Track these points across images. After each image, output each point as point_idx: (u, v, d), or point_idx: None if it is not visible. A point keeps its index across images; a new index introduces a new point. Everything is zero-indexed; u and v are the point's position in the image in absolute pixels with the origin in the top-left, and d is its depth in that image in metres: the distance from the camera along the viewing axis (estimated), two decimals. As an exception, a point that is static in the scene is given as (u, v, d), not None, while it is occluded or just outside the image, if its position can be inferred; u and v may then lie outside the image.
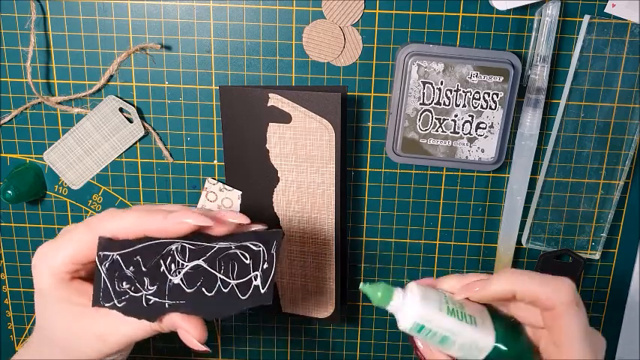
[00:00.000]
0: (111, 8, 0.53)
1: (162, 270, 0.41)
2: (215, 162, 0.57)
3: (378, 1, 0.52)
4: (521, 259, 0.59)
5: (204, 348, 0.42)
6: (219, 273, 0.42)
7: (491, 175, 0.57)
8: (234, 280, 0.42)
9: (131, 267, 0.41)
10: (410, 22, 0.52)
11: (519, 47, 0.53)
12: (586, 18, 0.51)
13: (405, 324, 0.40)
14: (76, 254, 0.41)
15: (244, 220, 0.42)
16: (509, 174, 0.56)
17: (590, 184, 0.56)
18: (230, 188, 0.57)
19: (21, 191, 0.55)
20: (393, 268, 0.60)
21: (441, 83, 0.51)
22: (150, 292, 0.41)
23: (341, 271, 0.58)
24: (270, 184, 0.55)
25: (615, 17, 0.51)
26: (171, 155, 0.57)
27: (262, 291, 0.42)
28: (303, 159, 0.54)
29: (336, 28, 0.52)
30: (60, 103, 0.55)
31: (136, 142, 0.56)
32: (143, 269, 0.41)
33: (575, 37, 0.52)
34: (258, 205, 0.56)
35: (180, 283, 0.41)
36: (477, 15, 0.52)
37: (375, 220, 0.58)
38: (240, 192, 0.57)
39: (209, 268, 0.41)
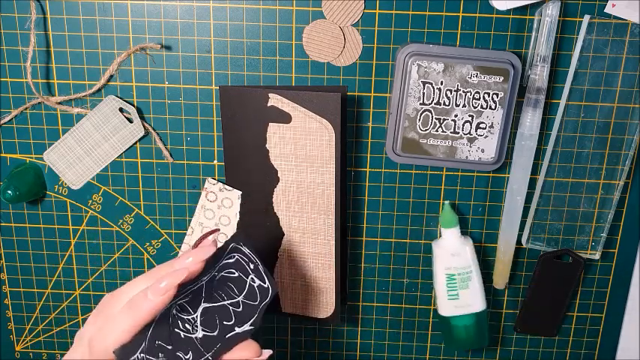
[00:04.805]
0: (111, 8, 0.53)
1: (183, 336, 0.41)
2: (215, 162, 0.57)
3: (378, 1, 0.52)
4: (521, 259, 0.59)
5: (268, 353, 0.43)
6: (225, 301, 0.42)
7: (491, 175, 0.57)
8: (239, 296, 0.43)
9: (160, 354, 0.40)
10: (410, 22, 0.52)
11: (519, 47, 0.53)
12: (586, 18, 0.51)
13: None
14: None
15: (211, 249, 0.42)
16: (509, 174, 0.56)
17: (590, 184, 0.56)
18: (230, 188, 0.57)
19: (21, 191, 0.55)
20: (393, 268, 0.60)
21: (441, 83, 0.51)
22: (190, 358, 0.41)
23: (341, 271, 0.58)
24: (270, 184, 0.55)
25: (615, 17, 0.51)
26: (171, 155, 0.57)
27: (265, 285, 0.43)
28: (303, 159, 0.54)
29: (336, 28, 0.52)
30: (60, 103, 0.55)
31: (136, 142, 0.56)
32: (169, 347, 0.41)
33: (575, 37, 0.52)
34: (258, 205, 0.56)
35: (204, 333, 0.42)
36: (477, 15, 0.52)
37: (375, 220, 0.58)
38: (240, 192, 0.57)
39: (215, 304, 0.42)
